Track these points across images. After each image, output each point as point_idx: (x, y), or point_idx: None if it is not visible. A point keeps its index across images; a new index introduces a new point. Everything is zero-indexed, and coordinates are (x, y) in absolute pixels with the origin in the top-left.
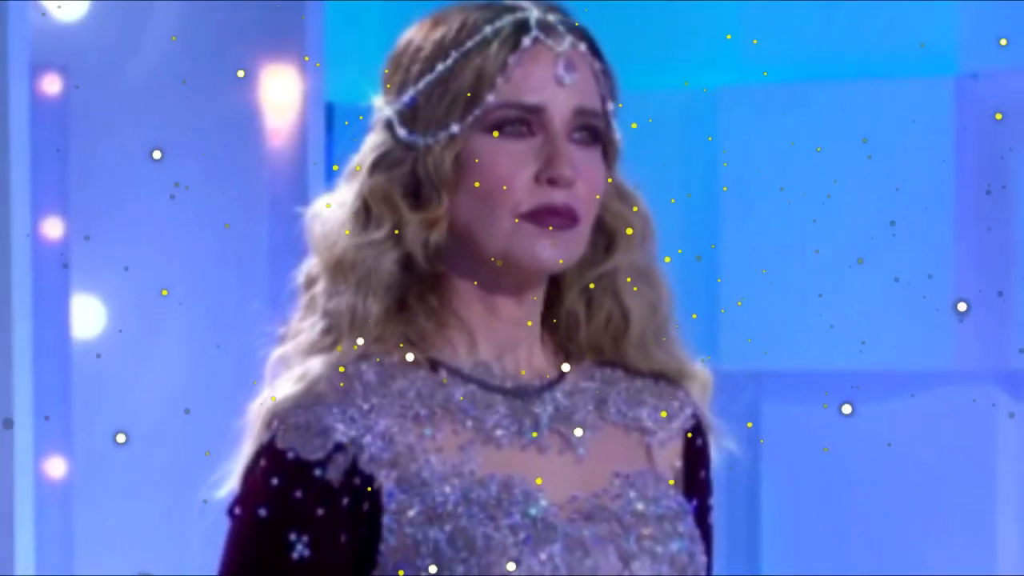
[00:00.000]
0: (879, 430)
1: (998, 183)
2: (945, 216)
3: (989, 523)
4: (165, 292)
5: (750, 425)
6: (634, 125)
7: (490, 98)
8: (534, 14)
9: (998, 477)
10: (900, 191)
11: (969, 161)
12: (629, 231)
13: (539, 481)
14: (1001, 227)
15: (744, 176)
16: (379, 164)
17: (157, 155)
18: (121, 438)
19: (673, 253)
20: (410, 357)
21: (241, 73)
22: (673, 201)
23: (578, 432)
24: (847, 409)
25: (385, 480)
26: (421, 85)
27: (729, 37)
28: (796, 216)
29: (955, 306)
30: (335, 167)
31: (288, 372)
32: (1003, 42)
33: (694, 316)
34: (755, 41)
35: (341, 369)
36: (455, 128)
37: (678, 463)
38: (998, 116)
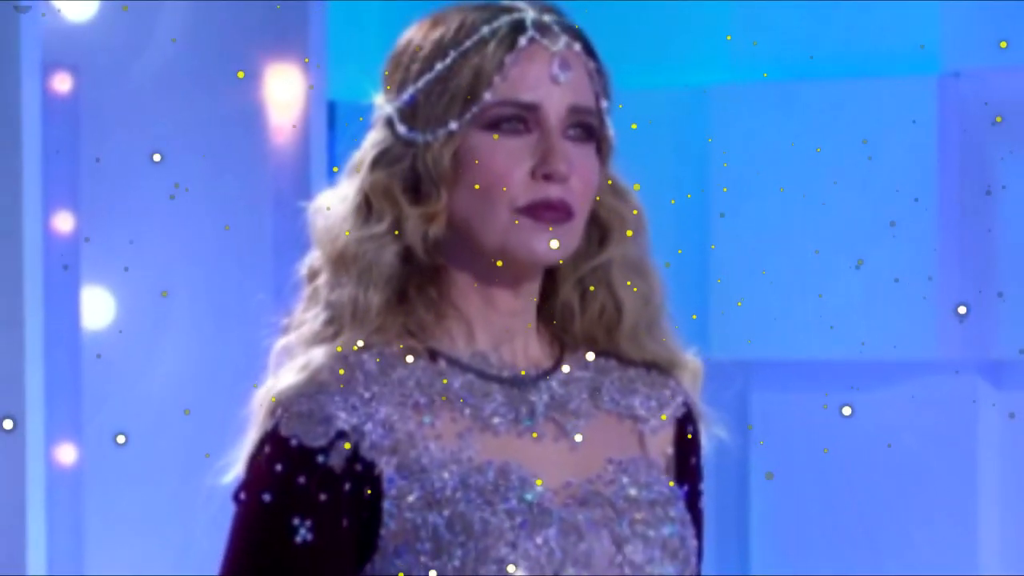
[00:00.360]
0: (865, 419)
1: (981, 180)
2: (930, 212)
3: (971, 511)
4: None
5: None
6: (634, 126)
7: (487, 96)
8: (530, 15)
9: (979, 467)
10: (885, 187)
11: (952, 159)
12: (629, 233)
13: (539, 483)
14: (983, 223)
15: (735, 174)
16: (380, 160)
17: (157, 158)
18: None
19: (671, 250)
20: (410, 359)
21: (241, 74)
22: (673, 202)
23: (578, 438)
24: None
25: (386, 466)
26: (421, 84)
27: (729, 38)
28: (784, 212)
29: (937, 298)
30: (335, 169)
31: (291, 362)
32: (1003, 44)
33: (694, 317)
34: (755, 43)
35: (342, 371)
36: (453, 125)
37: (669, 450)
38: (998, 119)
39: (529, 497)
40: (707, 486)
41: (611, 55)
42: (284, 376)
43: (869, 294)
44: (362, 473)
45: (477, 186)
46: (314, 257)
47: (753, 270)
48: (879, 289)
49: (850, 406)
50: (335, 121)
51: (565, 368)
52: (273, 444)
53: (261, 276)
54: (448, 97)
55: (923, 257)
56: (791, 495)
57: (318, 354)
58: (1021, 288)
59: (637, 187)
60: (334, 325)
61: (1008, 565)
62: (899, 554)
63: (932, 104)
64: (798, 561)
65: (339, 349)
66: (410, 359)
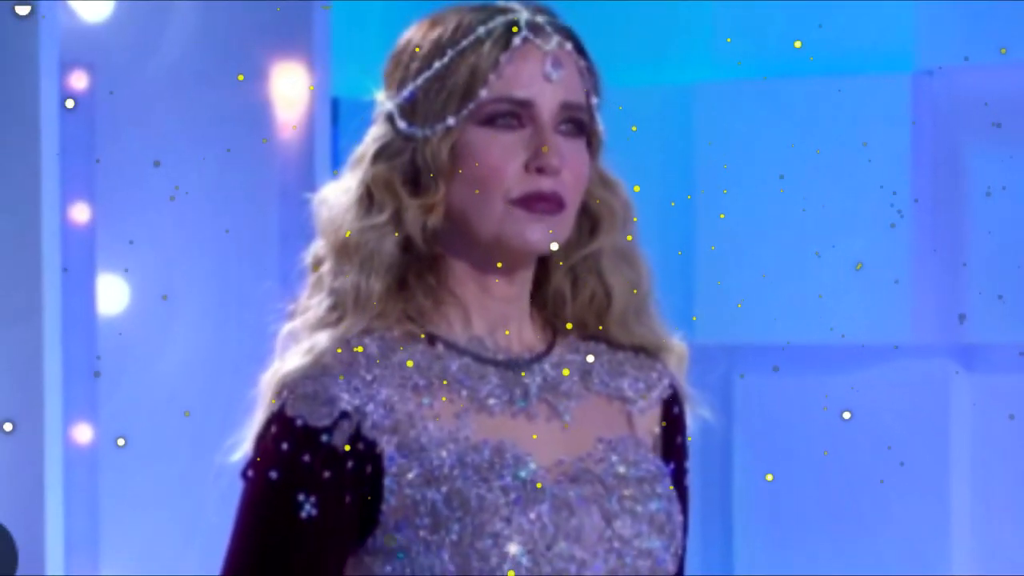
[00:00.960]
0: (848, 404)
1: (954, 174)
2: (905, 205)
3: (943, 487)
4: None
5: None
6: (634, 128)
7: (483, 93)
8: (524, 15)
9: (951, 449)
10: (858, 181)
11: (925, 155)
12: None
13: (535, 477)
14: (956, 214)
15: (719, 169)
16: (381, 154)
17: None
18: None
19: (656, 242)
20: (409, 357)
21: (241, 76)
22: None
23: (566, 418)
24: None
25: (386, 445)
26: (420, 81)
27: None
28: (767, 205)
29: (914, 285)
30: (334, 171)
31: (297, 346)
32: (1003, 51)
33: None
34: (745, 41)
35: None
36: (451, 121)
37: (657, 429)
38: (998, 124)
39: (523, 474)
40: (692, 465)
41: (600, 53)
42: (290, 359)
43: (855, 283)
44: (364, 452)
45: (472, 174)
46: (318, 246)
47: (737, 260)
48: (862, 278)
49: (834, 395)
50: (338, 117)
51: (564, 371)
52: (279, 424)
53: (268, 265)
54: (446, 94)
55: (903, 249)
56: (772, 471)
57: (322, 338)
58: (1005, 284)
59: (637, 188)
60: (337, 311)
61: (979, 539)
62: (876, 527)
63: (906, 101)
64: (779, 538)
65: (344, 327)
66: (409, 358)
